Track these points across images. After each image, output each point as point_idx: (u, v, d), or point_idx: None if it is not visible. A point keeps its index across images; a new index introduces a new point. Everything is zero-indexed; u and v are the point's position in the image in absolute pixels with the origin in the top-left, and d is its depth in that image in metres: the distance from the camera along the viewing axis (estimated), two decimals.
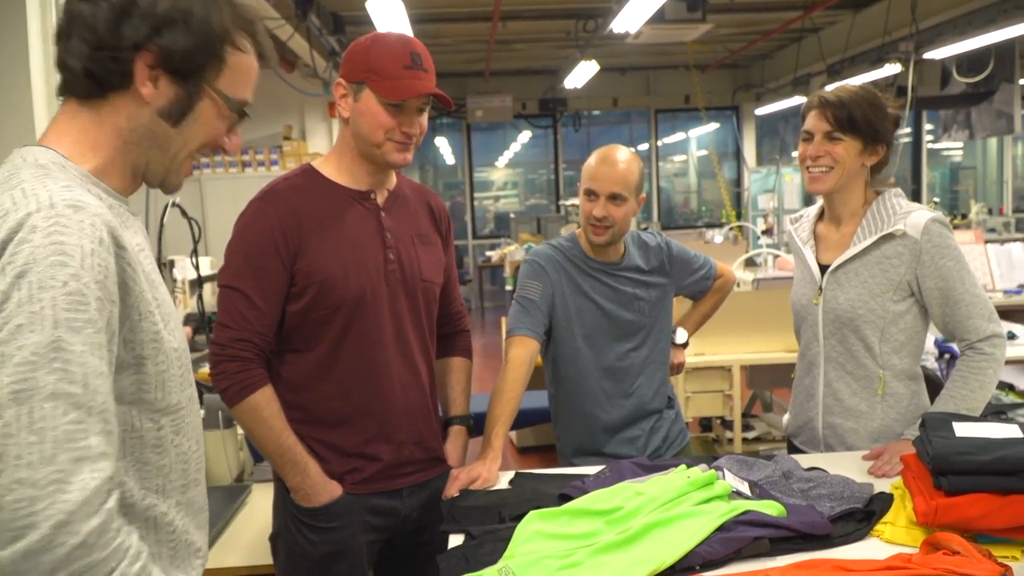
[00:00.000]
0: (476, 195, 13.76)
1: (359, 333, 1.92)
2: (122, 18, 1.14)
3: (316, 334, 1.92)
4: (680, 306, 2.69)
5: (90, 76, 1.16)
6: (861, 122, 2.12)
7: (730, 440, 4.60)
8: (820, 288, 2.23)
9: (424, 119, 1.95)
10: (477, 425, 2.24)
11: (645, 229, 10.57)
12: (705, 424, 5.40)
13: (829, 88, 2.21)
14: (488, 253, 12.17)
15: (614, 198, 2.33)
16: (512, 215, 12.84)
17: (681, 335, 2.70)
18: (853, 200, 2.22)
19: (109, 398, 1.03)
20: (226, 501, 2.47)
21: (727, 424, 4.71)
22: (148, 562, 1.05)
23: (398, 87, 1.87)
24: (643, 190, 2.43)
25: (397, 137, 1.90)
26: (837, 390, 2.22)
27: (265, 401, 1.86)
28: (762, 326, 4.24)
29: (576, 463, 2.41)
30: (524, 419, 4.57)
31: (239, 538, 2.30)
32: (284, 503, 1.97)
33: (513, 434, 5.90)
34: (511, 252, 9.74)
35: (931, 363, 4.01)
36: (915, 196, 12.50)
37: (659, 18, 6.62)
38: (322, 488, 1.92)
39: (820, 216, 2.33)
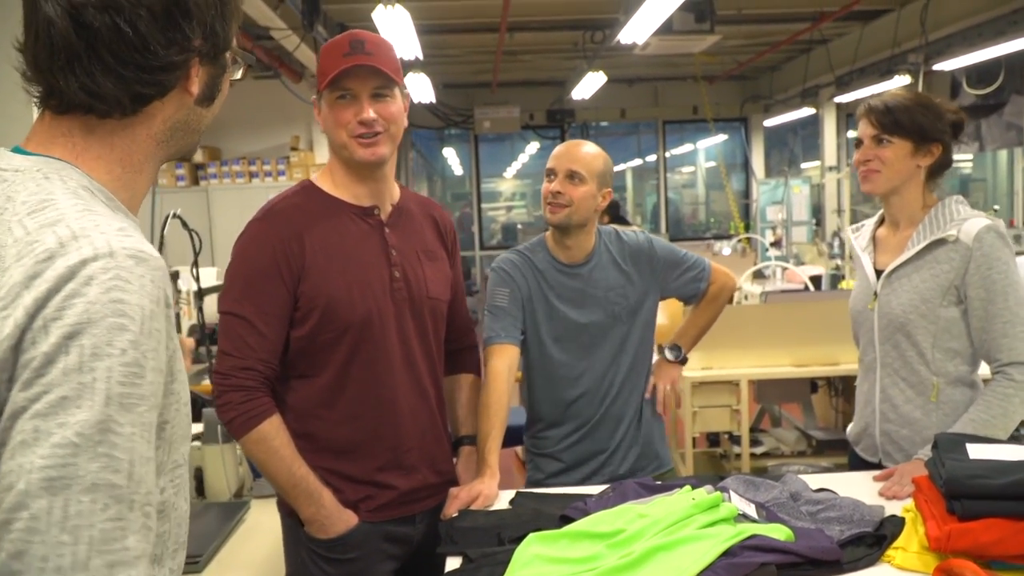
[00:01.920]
0: (484, 206, 13.75)
1: (366, 356, 1.86)
2: (174, 26, 0.96)
3: (322, 359, 1.85)
4: (663, 312, 2.60)
5: (136, 98, 0.97)
6: (907, 123, 2.11)
7: (737, 455, 4.54)
8: (875, 293, 2.20)
9: (389, 106, 1.85)
10: None
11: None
12: (713, 439, 5.34)
13: (876, 96, 2.21)
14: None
15: (572, 176, 2.29)
16: (519, 226, 12.82)
17: (674, 351, 2.54)
18: (911, 204, 2.19)
19: (154, 488, 0.88)
20: (225, 517, 2.42)
21: (735, 439, 4.65)
22: None
23: (333, 72, 1.80)
24: (610, 186, 2.36)
25: (357, 131, 1.82)
26: (892, 396, 2.19)
27: (274, 430, 1.80)
28: (771, 340, 4.17)
29: (534, 464, 2.39)
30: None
31: (237, 555, 2.25)
32: (296, 538, 1.90)
33: (518, 448, 5.84)
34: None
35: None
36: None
37: (667, 29, 6.59)
38: (338, 518, 1.85)
39: (880, 222, 2.32)
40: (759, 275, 7.27)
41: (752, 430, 5.14)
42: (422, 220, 2.04)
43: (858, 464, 2.31)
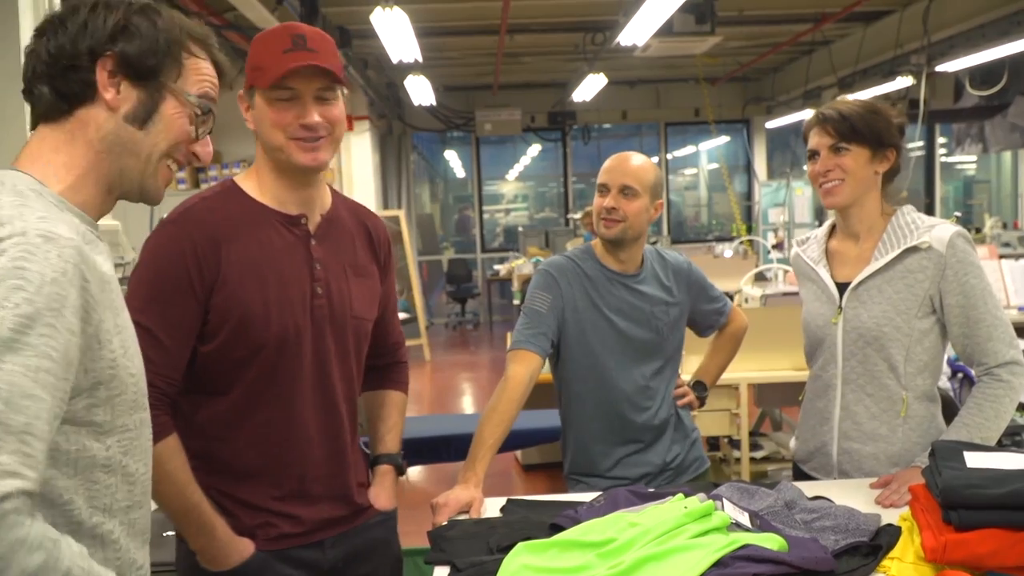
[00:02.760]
0: (487, 208, 13.72)
1: (280, 377, 1.72)
2: (78, 35, 1.22)
3: (231, 377, 1.70)
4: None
5: (56, 93, 1.22)
6: (863, 129, 2.06)
7: (737, 460, 4.51)
8: (840, 307, 2.14)
9: (332, 109, 1.70)
10: (457, 450, 2.13)
11: (654, 243, 10.54)
12: (713, 443, 5.30)
13: (825, 106, 2.15)
14: (496, 267, 12.10)
15: (625, 191, 2.27)
16: (520, 229, 12.79)
17: (699, 388, 2.55)
18: (870, 213, 2.14)
19: (40, 422, 1.02)
20: None
21: (735, 443, 4.61)
22: (56, 549, 1.01)
23: (275, 70, 1.64)
24: (661, 197, 2.36)
25: (297, 134, 1.67)
26: (855, 413, 2.13)
27: (168, 453, 1.61)
28: (771, 343, 4.13)
29: (582, 486, 2.33)
30: (530, 439, 4.49)
31: None
32: (189, 566, 1.74)
33: (518, 452, 5.81)
34: (519, 266, 9.69)
35: (943, 383, 3.91)
36: (928, 210, 12.33)
37: (667, 31, 6.56)
38: (232, 548, 1.69)
39: (831, 234, 2.26)
40: (760, 277, 7.22)
41: (753, 434, 5.11)
42: (354, 231, 1.88)
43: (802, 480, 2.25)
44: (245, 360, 1.70)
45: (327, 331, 1.77)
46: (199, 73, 1.32)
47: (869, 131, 2.06)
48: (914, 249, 2.05)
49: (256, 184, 1.76)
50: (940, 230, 2.04)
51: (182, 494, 1.65)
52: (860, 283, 2.12)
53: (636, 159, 2.33)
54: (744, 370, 4.16)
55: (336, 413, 1.81)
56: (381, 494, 1.93)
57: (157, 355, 1.60)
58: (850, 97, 2.20)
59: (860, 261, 2.14)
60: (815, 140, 2.12)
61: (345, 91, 1.76)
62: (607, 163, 2.35)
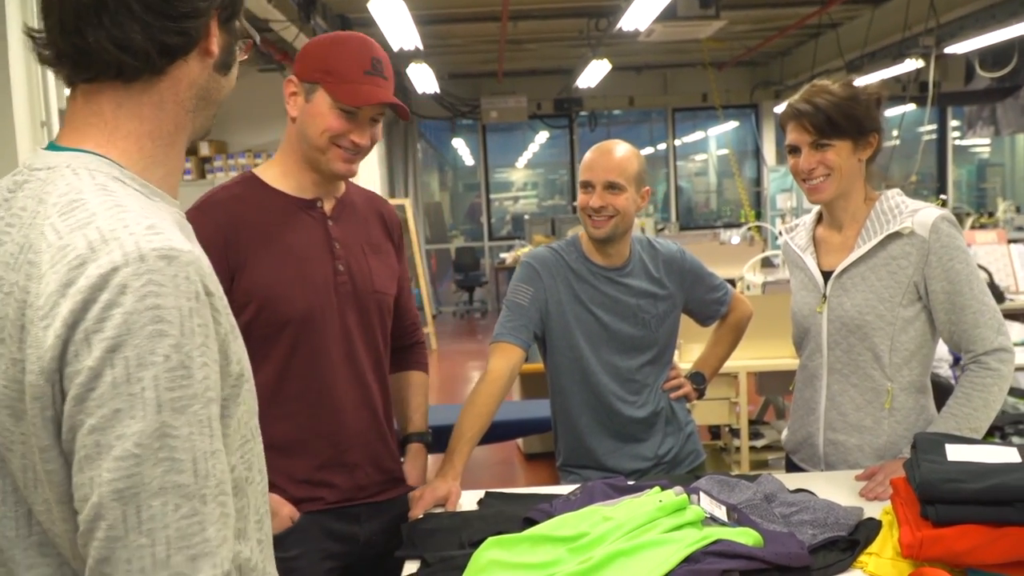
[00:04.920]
0: (496, 196, 13.66)
1: (307, 352, 1.81)
2: None
3: (261, 354, 1.77)
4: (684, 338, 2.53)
5: (164, 51, 0.98)
6: (842, 120, 1.98)
7: (738, 448, 4.46)
8: (824, 295, 2.09)
9: (377, 130, 1.84)
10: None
11: (661, 230, 10.42)
12: (715, 432, 5.26)
13: (798, 95, 2.05)
14: (503, 255, 12.05)
15: (611, 187, 2.20)
16: (527, 216, 12.73)
17: (697, 380, 2.48)
18: (856, 202, 2.08)
19: (225, 476, 0.92)
20: None
21: (736, 432, 4.57)
22: None
23: (356, 92, 1.75)
24: (646, 184, 2.29)
25: (345, 144, 1.79)
26: (840, 404, 2.09)
27: None
28: (771, 331, 4.05)
29: (574, 477, 2.29)
30: (532, 427, 4.46)
31: None
32: None
33: (520, 440, 5.78)
34: (525, 254, 9.63)
35: (945, 370, 3.85)
36: (941, 194, 12.24)
37: (671, 15, 6.49)
38: (276, 511, 1.77)
39: (818, 221, 2.20)
40: (768, 263, 7.14)
41: (756, 422, 5.06)
42: (368, 214, 1.99)
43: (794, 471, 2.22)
44: (272, 336, 1.78)
45: (350, 307, 1.86)
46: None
47: (848, 122, 1.98)
48: (896, 235, 1.99)
49: (278, 172, 1.86)
50: (923, 214, 1.98)
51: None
52: (843, 271, 2.06)
53: (618, 150, 2.25)
54: (744, 358, 4.10)
55: (365, 384, 1.89)
56: (412, 471, 2.04)
57: None
58: (858, 81, 2.10)
59: (843, 249, 2.09)
60: (793, 136, 2.04)
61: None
62: (588, 157, 2.27)
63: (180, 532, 0.86)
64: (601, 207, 2.20)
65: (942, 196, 9.76)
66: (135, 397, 0.84)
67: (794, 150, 2.05)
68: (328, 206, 1.89)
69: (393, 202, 9.99)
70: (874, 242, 2.01)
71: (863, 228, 2.05)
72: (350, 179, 1.94)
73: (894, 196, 2.06)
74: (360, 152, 1.81)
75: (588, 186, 2.23)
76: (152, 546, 0.84)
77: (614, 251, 2.29)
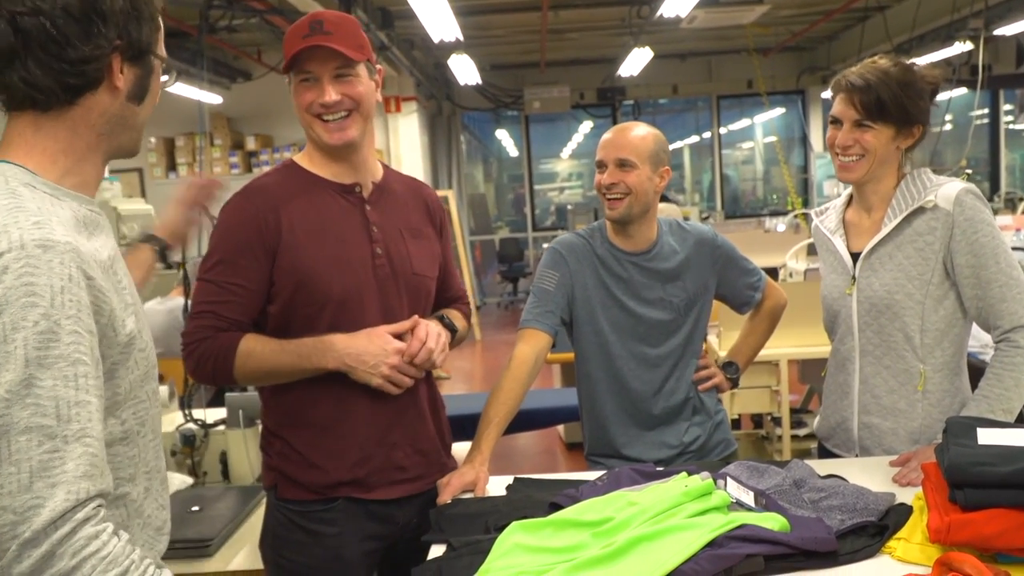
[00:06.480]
0: (540, 187, 13.65)
1: (347, 332, 1.83)
2: (90, 25, 1.16)
3: (305, 332, 1.84)
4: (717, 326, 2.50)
5: (67, 88, 1.18)
6: (891, 106, 1.94)
7: (780, 437, 4.42)
8: (853, 277, 2.07)
9: (356, 86, 1.81)
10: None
11: (706, 219, 10.31)
12: (757, 420, 5.21)
13: (856, 68, 2.02)
14: (545, 246, 12.04)
15: (622, 164, 2.19)
16: (570, 207, 12.71)
17: (730, 369, 2.43)
18: (885, 186, 2.05)
19: (91, 423, 1.08)
20: (242, 501, 2.43)
21: (777, 420, 4.52)
22: (133, 567, 1.08)
23: (290, 54, 1.79)
24: (665, 164, 2.26)
25: (317, 111, 1.81)
26: (874, 387, 2.06)
27: (250, 345, 1.80)
28: (811, 318, 4.00)
29: (600, 467, 2.28)
30: (573, 415, 4.45)
31: (247, 539, 2.25)
32: (275, 511, 1.93)
33: (561, 428, 5.79)
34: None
35: (990, 355, 3.76)
36: (993, 179, 11.94)
37: (713, 1, 6.43)
38: (325, 347, 1.82)
39: (848, 203, 2.17)
40: (812, 251, 7.04)
41: (800, 411, 5.00)
42: (408, 199, 2.02)
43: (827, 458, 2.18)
44: (311, 316, 1.83)
45: (391, 288, 1.90)
46: (160, 31, 1.29)
47: (897, 108, 1.95)
48: (921, 210, 1.96)
49: (310, 161, 1.92)
50: (947, 188, 1.94)
51: (283, 350, 1.81)
52: (871, 251, 2.04)
53: (635, 130, 2.24)
54: (784, 345, 4.06)
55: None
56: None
57: (223, 298, 1.80)
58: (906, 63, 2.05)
59: (872, 231, 2.06)
60: (839, 108, 2.01)
61: (375, 68, 1.89)
62: (603, 137, 2.26)
63: (42, 464, 1.03)
64: (612, 184, 2.19)
65: (967, 171, 9.48)
66: (9, 354, 1.04)
67: (836, 121, 2.02)
68: (366, 191, 1.93)
69: (436, 193, 10.05)
70: (898, 220, 1.98)
71: (889, 207, 2.02)
72: (390, 166, 1.99)
73: (921, 174, 2.02)
74: (344, 113, 1.81)
75: (601, 165, 2.24)
76: (18, 474, 1.03)
77: (638, 234, 2.27)
